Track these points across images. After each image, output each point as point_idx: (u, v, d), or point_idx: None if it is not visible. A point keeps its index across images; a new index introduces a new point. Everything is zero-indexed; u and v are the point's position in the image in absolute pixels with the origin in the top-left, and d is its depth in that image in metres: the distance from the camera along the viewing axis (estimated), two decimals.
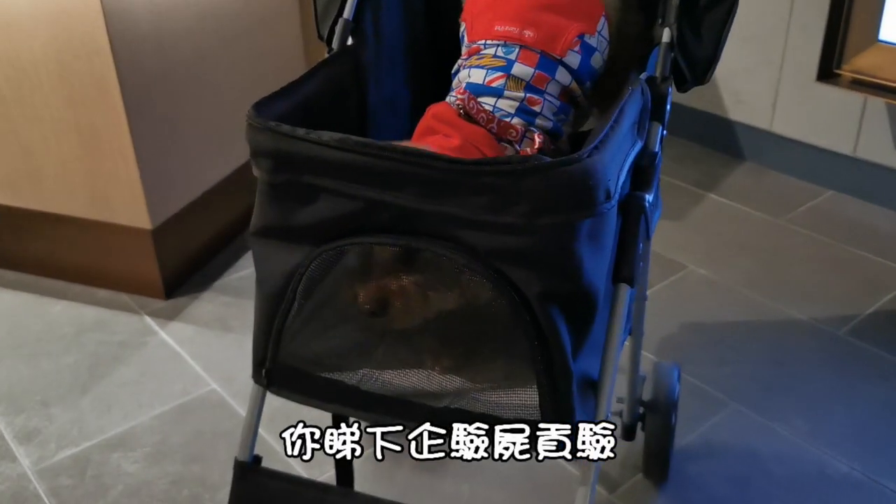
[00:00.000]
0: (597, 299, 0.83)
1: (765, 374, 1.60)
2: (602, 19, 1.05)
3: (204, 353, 1.69)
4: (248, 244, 0.94)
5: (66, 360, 1.68)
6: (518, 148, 0.98)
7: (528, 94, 1.00)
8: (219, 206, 1.94)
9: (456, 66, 1.08)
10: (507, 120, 0.99)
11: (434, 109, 1.01)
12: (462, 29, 1.11)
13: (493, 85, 1.00)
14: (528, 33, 1.01)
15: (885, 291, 1.82)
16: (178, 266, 1.87)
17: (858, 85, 1.91)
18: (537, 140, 0.98)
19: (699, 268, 1.91)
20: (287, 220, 0.86)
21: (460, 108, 0.99)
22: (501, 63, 1.01)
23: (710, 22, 1.01)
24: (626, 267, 0.89)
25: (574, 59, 1.02)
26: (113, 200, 1.74)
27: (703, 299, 1.81)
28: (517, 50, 1.01)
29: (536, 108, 1.00)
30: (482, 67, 1.02)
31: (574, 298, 0.81)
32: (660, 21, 1.00)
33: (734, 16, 1.00)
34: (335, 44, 1.07)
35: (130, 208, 1.74)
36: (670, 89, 0.98)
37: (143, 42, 1.64)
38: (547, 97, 1.01)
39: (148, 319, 1.79)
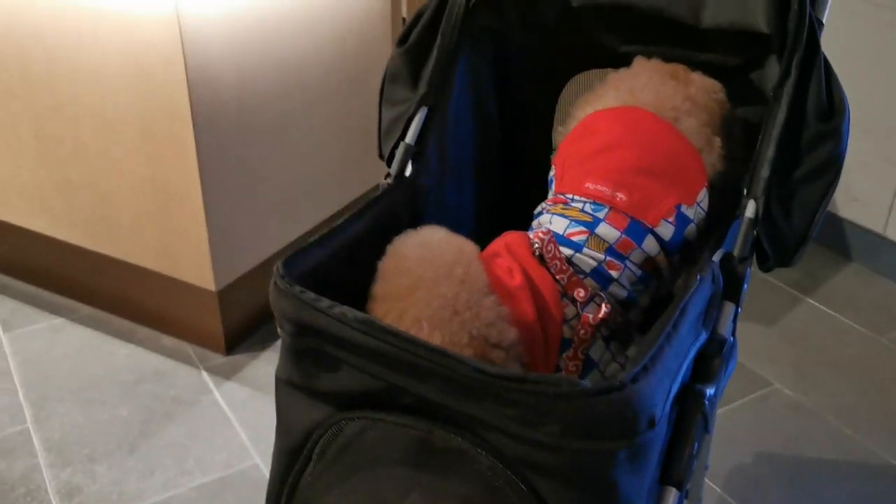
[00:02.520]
0: None
1: None
2: (703, 190, 0.94)
3: (252, 420, 1.66)
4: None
5: (120, 412, 1.68)
6: (582, 311, 0.89)
7: (608, 258, 0.90)
8: None
9: (539, 209, 0.99)
10: (580, 277, 0.90)
11: (509, 237, 0.93)
12: (551, 174, 1.03)
13: (573, 238, 0.91)
14: (621, 196, 0.92)
15: None
16: (241, 322, 1.85)
17: None
18: (603, 308, 0.88)
19: (786, 387, 1.76)
20: (309, 382, 0.81)
21: (536, 248, 0.90)
22: (587, 219, 0.92)
23: (805, 198, 0.87)
24: (677, 471, 0.79)
25: (666, 230, 0.92)
26: (181, 258, 1.74)
27: (785, 426, 1.67)
28: (606, 210, 0.92)
29: (614, 274, 0.90)
30: (565, 217, 0.93)
31: None
32: (745, 192, 0.88)
33: (833, 193, 0.87)
34: (394, 169, 1.01)
35: (197, 269, 1.73)
36: (749, 269, 0.87)
37: (225, 106, 1.63)
38: (628, 264, 0.91)
39: (205, 375, 1.78)
